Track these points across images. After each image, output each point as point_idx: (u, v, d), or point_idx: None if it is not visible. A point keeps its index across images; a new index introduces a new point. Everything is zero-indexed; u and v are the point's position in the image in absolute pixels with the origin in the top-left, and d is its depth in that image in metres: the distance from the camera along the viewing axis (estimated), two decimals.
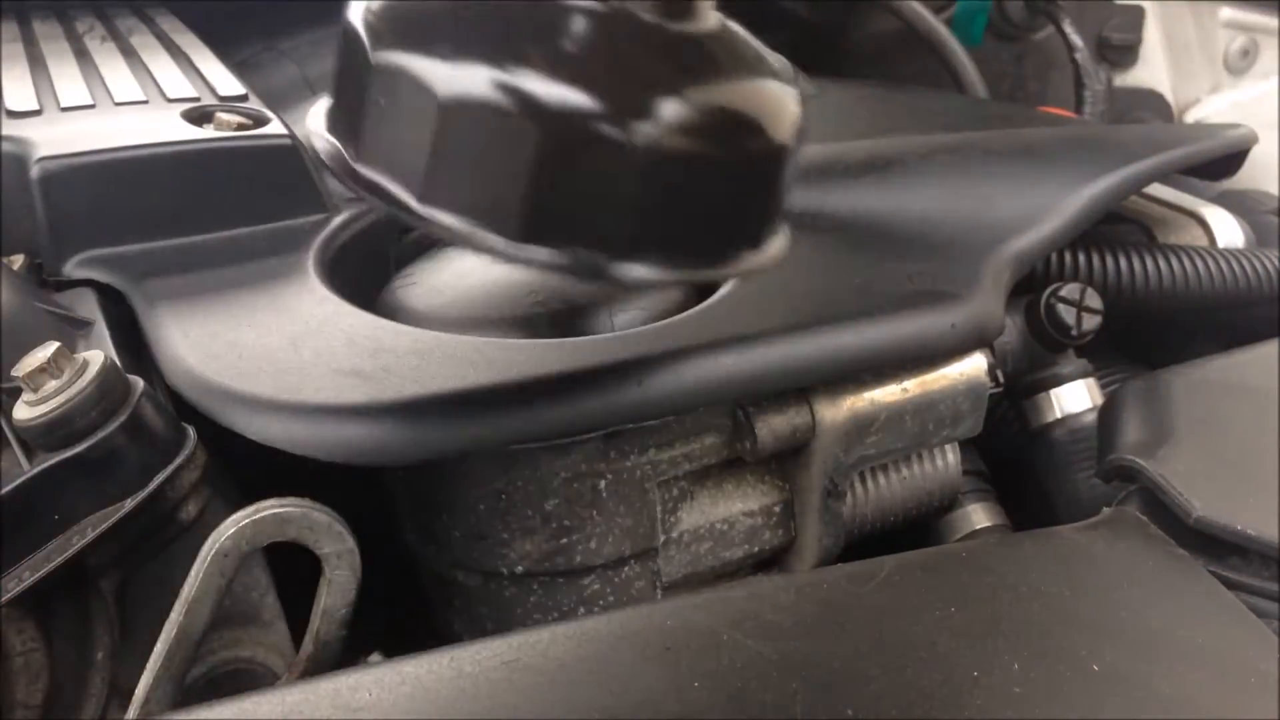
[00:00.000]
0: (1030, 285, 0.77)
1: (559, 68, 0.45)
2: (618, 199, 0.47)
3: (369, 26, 0.47)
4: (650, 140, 0.45)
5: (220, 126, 0.74)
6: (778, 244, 0.54)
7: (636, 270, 0.48)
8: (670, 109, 0.45)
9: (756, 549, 0.67)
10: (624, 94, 0.45)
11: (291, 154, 0.73)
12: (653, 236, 0.48)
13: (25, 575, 0.48)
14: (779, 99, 0.51)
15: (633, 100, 0.45)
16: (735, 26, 0.51)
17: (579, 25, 0.46)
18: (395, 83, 0.46)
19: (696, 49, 0.48)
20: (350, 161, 0.49)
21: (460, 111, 0.45)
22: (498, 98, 0.44)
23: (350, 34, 0.48)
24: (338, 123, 0.50)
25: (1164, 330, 0.91)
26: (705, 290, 0.67)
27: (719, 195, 0.50)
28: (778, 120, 0.50)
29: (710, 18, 0.50)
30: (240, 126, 0.74)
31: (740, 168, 0.50)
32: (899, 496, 0.69)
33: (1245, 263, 0.85)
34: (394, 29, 0.47)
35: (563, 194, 0.46)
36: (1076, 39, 1.23)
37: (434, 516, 0.62)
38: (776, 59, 1.00)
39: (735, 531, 0.66)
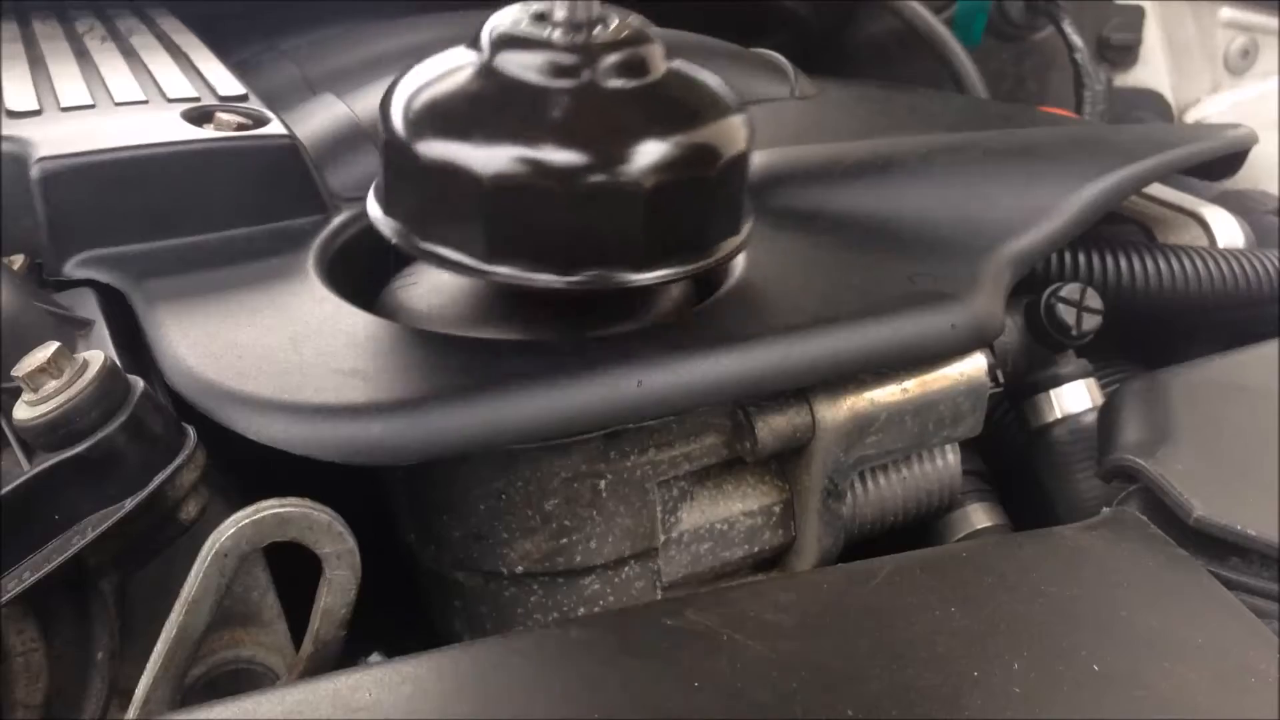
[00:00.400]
0: (1030, 285, 0.77)
1: (561, 137, 0.56)
2: (629, 225, 0.57)
3: (409, 124, 0.58)
4: (640, 176, 0.56)
5: (220, 126, 0.74)
6: (748, 223, 0.64)
7: (655, 274, 0.59)
8: (649, 150, 0.57)
9: (756, 549, 0.67)
10: (611, 147, 0.56)
11: (291, 154, 0.73)
12: (661, 246, 0.59)
13: (25, 575, 0.48)
14: (731, 118, 0.61)
15: (619, 150, 0.56)
16: (678, 63, 0.62)
17: (564, 101, 0.57)
18: (442, 170, 0.57)
19: (656, 97, 0.60)
20: (417, 240, 0.59)
21: (500, 186, 0.55)
22: (524, 170, 0.55)
23: (393, 132, 0.59)
24: (394, 206, 0.61)
25: (1164, 330, 0.91)
26: (705, 290, 0.67)
27: (702, 204, 0.60)
28: (734, 135, 0.61)
29: (660, 67, 0.60)
30: (240, 126, 0.74)
31: (712, 180, 0.59)
32: (899, 496, 0.69)
33: (1245, 263, 0.85)
34: (431, 124, 0.58)
35: (588, 230, 0.57)
36: (1076, 39, 1.23)
37: (434, 516, 0.62)
38: (776, 59, 1.00)
39: (735, 531, 0.66)
